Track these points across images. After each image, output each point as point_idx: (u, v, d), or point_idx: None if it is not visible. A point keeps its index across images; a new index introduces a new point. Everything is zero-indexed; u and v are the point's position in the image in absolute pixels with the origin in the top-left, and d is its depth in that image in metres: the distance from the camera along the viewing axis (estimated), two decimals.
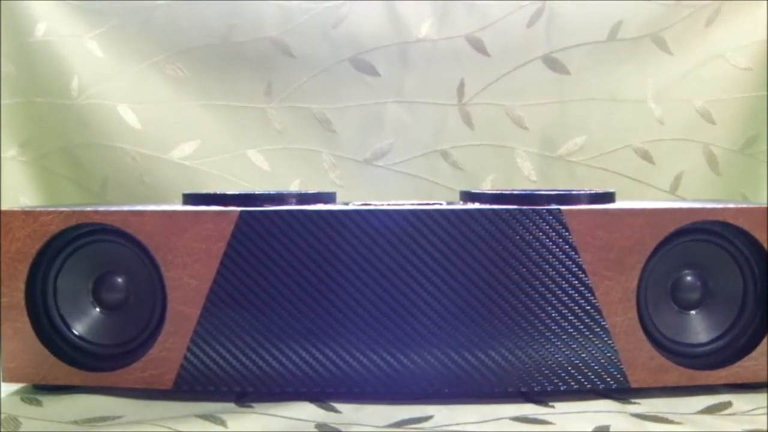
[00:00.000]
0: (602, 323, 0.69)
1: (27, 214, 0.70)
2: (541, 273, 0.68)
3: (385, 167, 1.08)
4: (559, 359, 0.69)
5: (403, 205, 0.72)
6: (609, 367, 0.69)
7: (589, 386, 0.69)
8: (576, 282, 0.68)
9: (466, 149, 1.07)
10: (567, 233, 0.68)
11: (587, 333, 0.69)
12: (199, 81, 1.07)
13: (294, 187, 1.08)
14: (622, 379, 0.69)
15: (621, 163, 1.06)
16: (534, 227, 0.68)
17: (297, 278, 0.68)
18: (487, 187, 1.07)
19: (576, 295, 0.68)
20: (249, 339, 0.69)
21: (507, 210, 0.68)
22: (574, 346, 0.69)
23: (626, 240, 0.68)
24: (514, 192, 0.75)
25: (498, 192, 0.75)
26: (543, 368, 0.69)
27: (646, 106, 1.07)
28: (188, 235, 0.69)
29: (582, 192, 0.75)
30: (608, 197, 0.75)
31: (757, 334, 0.71)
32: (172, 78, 1.07)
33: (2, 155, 1.07)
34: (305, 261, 0.68)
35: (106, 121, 1.06)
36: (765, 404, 0.68)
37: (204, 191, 0.79)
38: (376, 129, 1.08)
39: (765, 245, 0.69)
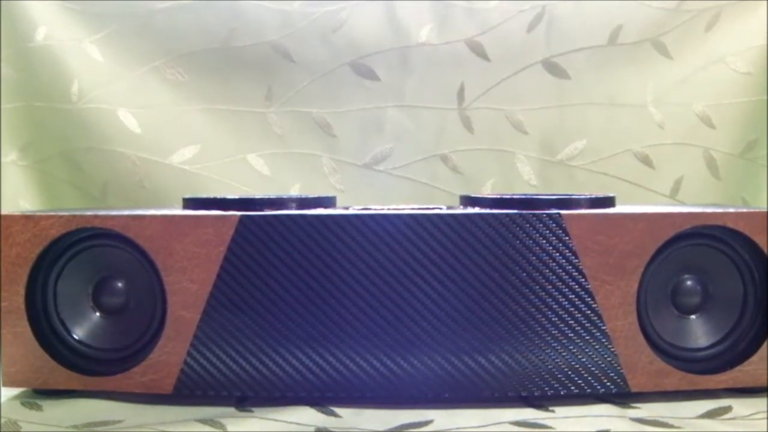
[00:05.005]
0: (602, 328, 0.68)
1: (27, 219, 0.70)
2: (541, 277, 0.68)
3: (385, 171, 1.08)
4: (560, 364, 0.69)
5: (403, 209, 0.72)
6: (609, 371, 0.69)
7: (589, 391, 0.69)
8: (576, 286, 0.68)
9: (466, 153, 1.08)
10: (567, 238, 0.68)
11: (587, 337, 0.68)
12: (199, 85, 1.08)
13: (294, 191, 1.08)
14: (622, 383, 0.69)
15: (621, 167, 1.07)
16: (534, 232, 0.68)
17: (297, 283, 0.68)
18: (487, 191, 1.07)
19: (576, 299, 0.68)
20: (249, 343, 0.69)
21: (507, 214, 0.68)
22: (574, 350, 0.69)
23: (626, 244, 0.68)
24: (515, 196, 0.75)
25: (498, 196, 0.75)
26: (543, 373, 0.69)
27: (646, 111, 1.07)
28: (188, 239, 0.69)
29: (582, 196, 0.75)
30: (608, 202, 0.75)
31: (757, 338, 0.71)
32: (172, 82, 1.08)
33: (2, 159, 1.07)
34: (305, 265, 0.68)
35: (106, 126, 1.06)
36: (765, 408, 0.68)
37: (204, 196, 0.79)
38: (376, 133, 1.08)
39: (765, 250, 0.69)
